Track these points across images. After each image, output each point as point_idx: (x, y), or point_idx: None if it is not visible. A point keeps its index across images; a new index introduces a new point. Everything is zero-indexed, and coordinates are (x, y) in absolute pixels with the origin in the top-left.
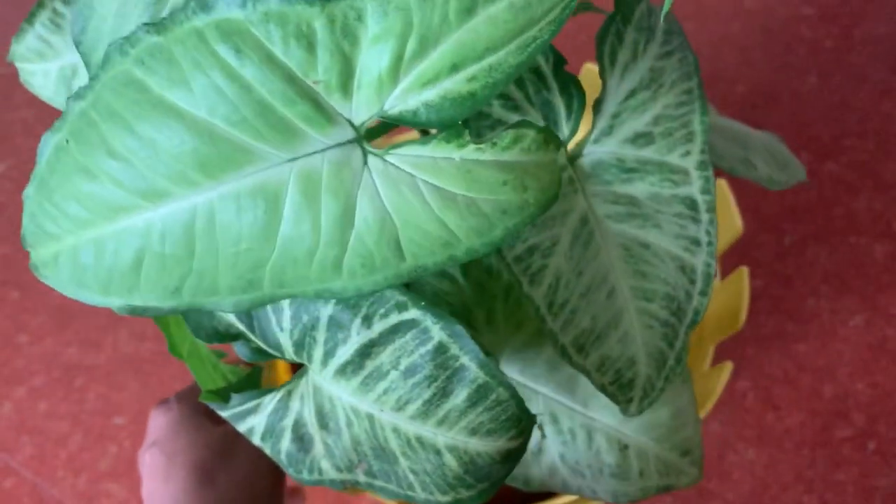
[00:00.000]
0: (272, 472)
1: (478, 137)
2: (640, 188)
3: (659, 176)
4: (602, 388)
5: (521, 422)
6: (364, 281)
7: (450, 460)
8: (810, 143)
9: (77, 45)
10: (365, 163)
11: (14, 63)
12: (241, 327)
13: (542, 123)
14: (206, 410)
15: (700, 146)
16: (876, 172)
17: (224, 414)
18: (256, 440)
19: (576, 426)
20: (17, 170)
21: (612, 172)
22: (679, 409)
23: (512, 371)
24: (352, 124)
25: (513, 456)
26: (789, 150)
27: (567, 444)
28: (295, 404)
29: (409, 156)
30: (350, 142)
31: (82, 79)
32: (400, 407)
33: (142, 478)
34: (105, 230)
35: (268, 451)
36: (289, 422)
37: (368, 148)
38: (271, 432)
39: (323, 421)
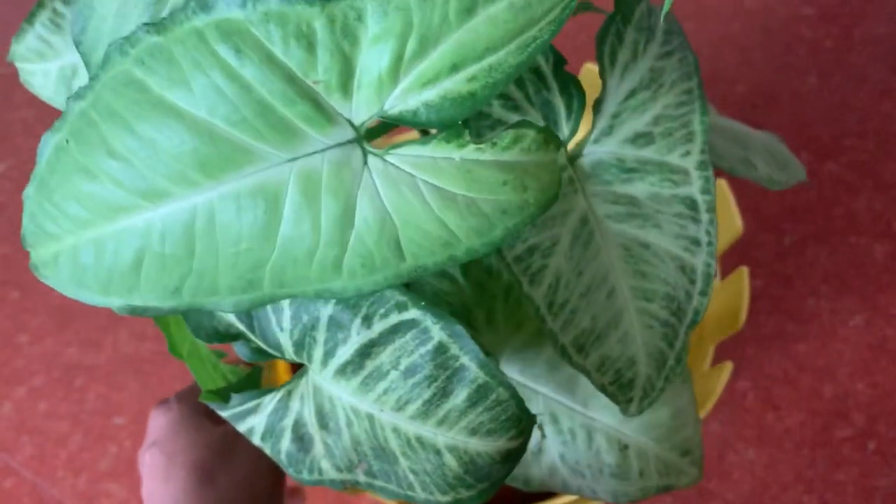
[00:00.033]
0: (272, 472)
1: (478, 137)
2: (640, 188)
3: (659, 176)
4: (602, 388)
5: (521, 422)
6: (364, 281)
7: (450, 460)
8: (810, 143)
9: (77, 44)
10: (365, 163)
11: (14, 63)
12: (241, 327)
13: (542, 123)
14: (206, 410)
15: (700, 146)
16: (876, 172)
17: (224, 414)
18: (256, 440)
19: (576, 426)
20: (17, 170)
21: (612, 172)
22: (679, 409)
23: (512, 371)
24: (352, 124)
25: (513, 456)
26: (789, 151)
27: (567, 444)
28: (295, 404)
29: (409, 156)
30: (350, 142)
31: (82, 79)
32: (400, 407)
33: (142, 478)
34: (105, 230)
35: (268, 451)
36: (289, 422)
37: (368, 148)
38: (271, 432)
39: (323, 421)
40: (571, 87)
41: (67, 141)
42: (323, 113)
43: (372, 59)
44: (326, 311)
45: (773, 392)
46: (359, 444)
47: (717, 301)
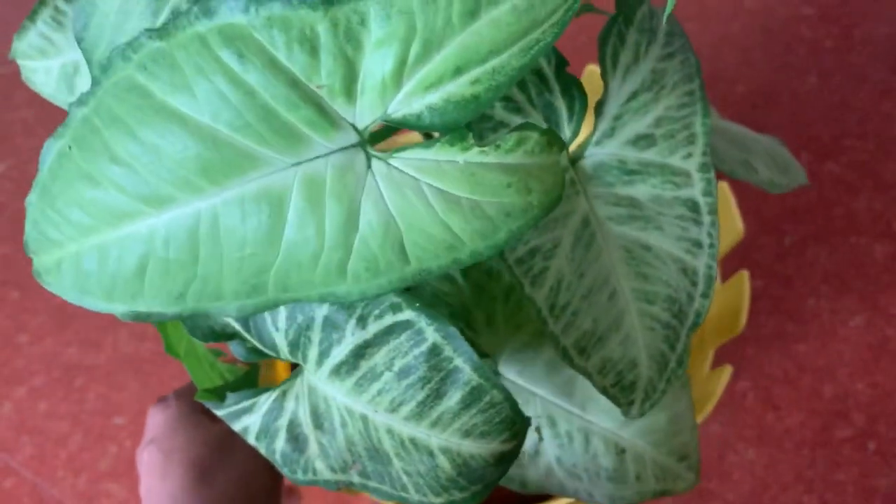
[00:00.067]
0: (270, 471)
1: (480, 139)
2: (641, 190)
3: (660, 178)
4: (603, 391)
5: (515, 424)
6: (368, 285)
7: (443, 462)
8: (810, 144)
9: (79, 41)
10: (369, 167)
11: (16, 60)
12: (237, 327)
13: (544, 125)
14: (204, 408)
15: (702, 148)
16: (876, 172)
17: (219, 413)
18: (251, 440)
19: (573, 429)
20: (17, 170)
21: (613, 174)
22: (677, 414)
23: (510, 373)
24: (355, 128)
25: (506, 458)
26: (790, 154)
27: (564, 447)
28: (290, 404)
29: (412, 159)
30: (354, 146)
31: (84, 76)
32: (394, 408)
33: (140, 475)
34: (108, 236)
35: (262, 450)
36: (284, 422)
37: (372, 152)
38: (266, 432)
39: (318, 421)
40: (573, 89)
41: (70, 147)
42: (326, 117)
43: (375, 63)
44: (321, 311)
45: (773, 392)
46: (353, 444)
47: (718, 304)
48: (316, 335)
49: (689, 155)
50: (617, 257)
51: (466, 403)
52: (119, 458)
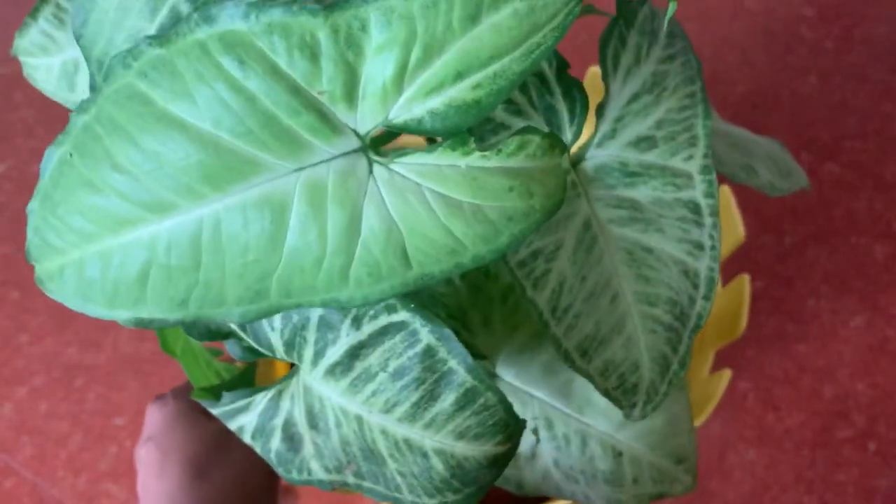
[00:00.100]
0: (267, 470)
1: (481, 141)
2: (643, 192)
3: (662, 180)
4: (606, 393)
5: (510, 427)
6: (371, 290)
7: (437, 463)
8: (810, 144)
9: (77, 38)
10: (370, 172)
11: (17, 57)
12: (234, 326)
13: (545, 128)
14: (202, 406)
15: (703, 150)
16: (876, 173)
17: (215, 412)
18: (247, 439)
19: (570, 432)
20: (17, 170)
21: (614, 176)
22: (674, 416)
23: (508, 374)
24: (357, 134)
25: (500, 461)
26: (792, 157)
27: (561, 450)
28: (285, 404)
29: (414, 164)
30: (355, 151)
31: (85, 74)
32: (388, 409)
33: (137, 473)
34: (110, 243)
35: (258, 450)
36: (279, 421)
37: (374, 157)
38: (261, 431)
39: (313, 421)
40: (574, 92)
41: (71, 154)
42: (328, 123)
43: (376, 68)
44: (317, 311)
45: (773, 393)
46: (348, 444)
47: (718, 307)
48: (311, 335)
49: (691, 157)
50: (618, 259)
51: (460, 405)
52: (119, 458)
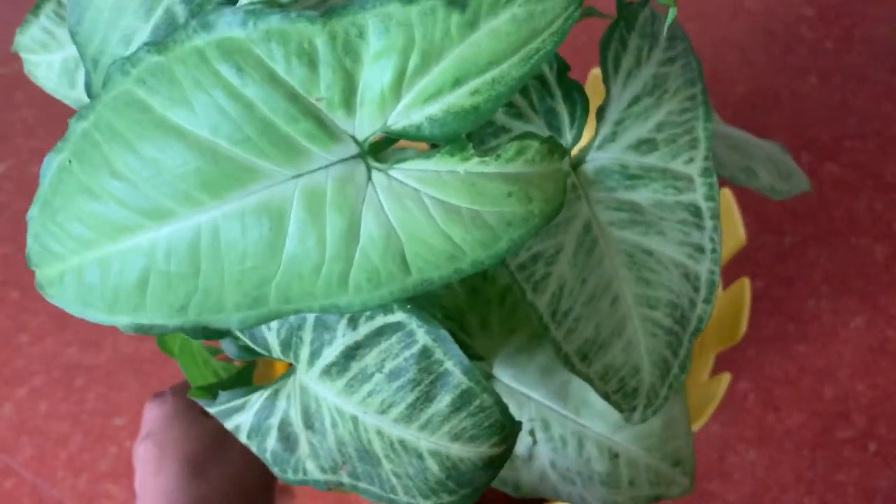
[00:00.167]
0: (264, 469)
1: (481, 144)
2: (643, 195)
3: (662, 183)
4: (605, 397)
5: (505, 429)
6: (370, 296)
7: (432, 465)
8: (811, 144)
9: (73, 35)
10: (369, 178)
11: (18, 54)
12: None
13: (545, 130)
14: (201, 405)
15: (704, 153)
16: (876, 173)
17: (211, 410)
18: (243, 438)
19: (567, 433)
20: (17, 170)
21: (615, 179)
22: (671, 419)
23: (505, 376)
24: (355, 140)
25: (496, 463)
26: (793, 160)
27: (558, 451)
28: (282, 403)
29: (413, 170)
30: (354, 157)
31: None
32: (384, 410)
33: (135, 469)
34: (109, 250)
35: (254, 449)
36: (275, 421)
37: (372, 163)
38: (257, 430)
39: (308, 421)
40: (575, 94)
41: (70, 161)
42: (326, 130)
43: (374, 75)
44: None
45: (773, 393)
46: (343, 445)
47: (719, 310)
48: (307, 335)
49: (691, 160)
50: (619, 262)
51: (456, 407)
52: (119, 458)
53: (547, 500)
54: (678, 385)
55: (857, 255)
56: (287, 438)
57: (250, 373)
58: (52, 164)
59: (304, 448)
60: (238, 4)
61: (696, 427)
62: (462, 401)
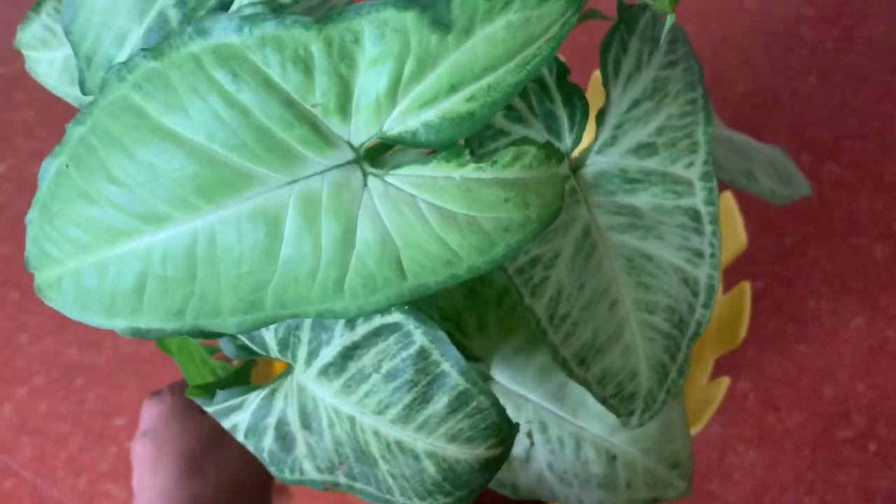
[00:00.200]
0: (262, 469)
1: (479, 147)
2: (642, 199)
3: (662, 187)
4: (603, 401)
5: (502, 430)
6: (366, 301)
7: (428, 466)
8: (811, 144)
9: (67, 34)
10: (365, 184)
11: (20, 51)
12: None
13: (544, 134)
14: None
15: (704, 157)
16: (876, 173)
17: (209, 409)
18: (240, 437)
19: (564, 435)
20: (17, 170)
21: (614, 183)
22: (668, 422)
23: (502, 377)
24: (351, 146)
25: (492, 464)
26: (794, 164)
27: (555, 453)
28: (279, 403)
29: (409, 176)
30: (349, 163)
31: None
32: (380, 410)
33: (133, 468)
34: (106, 254)
35: (251, 448)
36: (272, 420)
37: (368, 169)
38: (254, 430)
39: (306, 421)
40: (574, 98)
41: (67, 166)
42: (321, 136)
43: (370, 81)
44: None
45: (773, 393)
46: (340, 445)
47: (718, 314)
48: (305, 335)
49: (691, 164)
50: (618, 267)
51: (453, 408)
52: (119, 458)
53: (544, 501)
54: (676, 390)
55: (857, 255)
56: (284, 438)
57: (248, 372)
58: (50, 168)
59: (300, 448)
60: (232, 10)
61: (694, 430)
62: (459, 402)
